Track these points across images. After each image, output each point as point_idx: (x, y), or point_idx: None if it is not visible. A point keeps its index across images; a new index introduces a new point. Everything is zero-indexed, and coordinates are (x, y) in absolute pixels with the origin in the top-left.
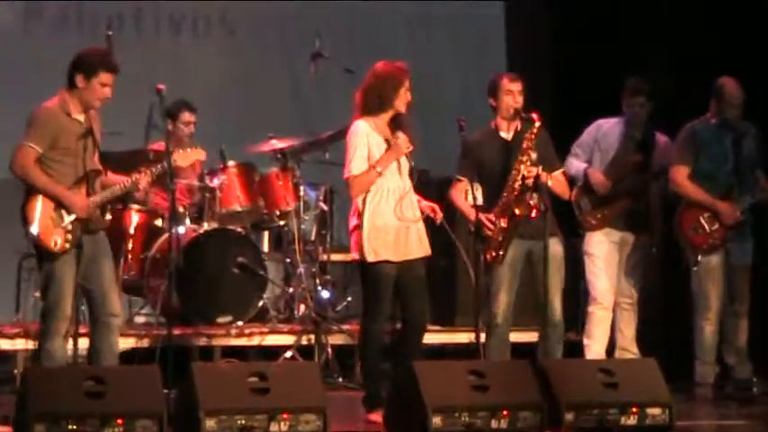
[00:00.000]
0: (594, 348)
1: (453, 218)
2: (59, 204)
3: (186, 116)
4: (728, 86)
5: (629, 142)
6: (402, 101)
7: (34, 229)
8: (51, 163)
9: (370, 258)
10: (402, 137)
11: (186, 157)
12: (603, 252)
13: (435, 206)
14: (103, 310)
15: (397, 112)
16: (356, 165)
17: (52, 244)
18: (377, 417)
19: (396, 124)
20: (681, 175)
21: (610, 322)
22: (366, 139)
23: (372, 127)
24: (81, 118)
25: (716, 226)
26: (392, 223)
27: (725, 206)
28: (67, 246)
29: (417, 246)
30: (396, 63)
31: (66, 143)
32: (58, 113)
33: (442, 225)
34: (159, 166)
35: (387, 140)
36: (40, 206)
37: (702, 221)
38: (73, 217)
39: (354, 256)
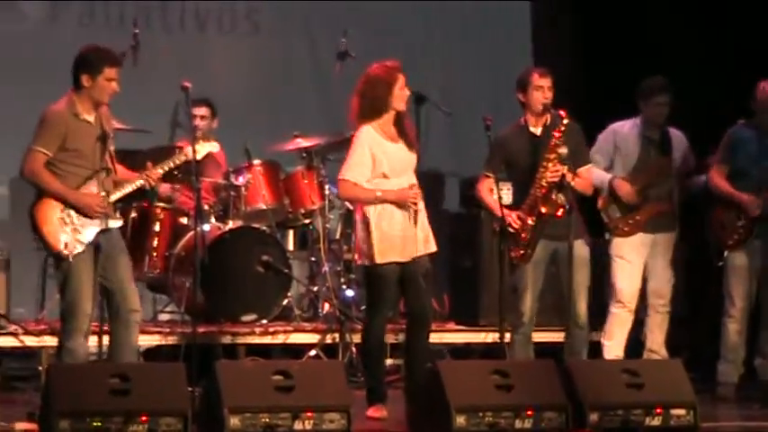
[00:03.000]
0: (614, 350)
1: (478, 218)
2: (69, 206)
3: (200, 110)
4: (758, 91)
5: (648, 145)
6: (399, 100)
7: (44, 234)
8: (62, 165)
9: (379, 260)
10: (416, 191)
11: (199, 150)
12: (633, 256)
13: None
14: (123, 307)
15: (396, 111)
16: (351, 169)
17: (62, 246)
18: (375, 411)
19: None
20: (717, 174)
21: (630, 324)
22: (368, 147)
23: (377, 132)
24: (90, 118)
25: (741, 221)
26: (400, 226)
27: (748, 198)
28: (78, 247)
29: (423, 244)
30: (386, 62)
31: (75, 144)
32: (66, 115)
33: None
34: (171, 161)
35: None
36: (48, 209)
37: (730, 217)
38: (82, 218)
39: (357, 257)
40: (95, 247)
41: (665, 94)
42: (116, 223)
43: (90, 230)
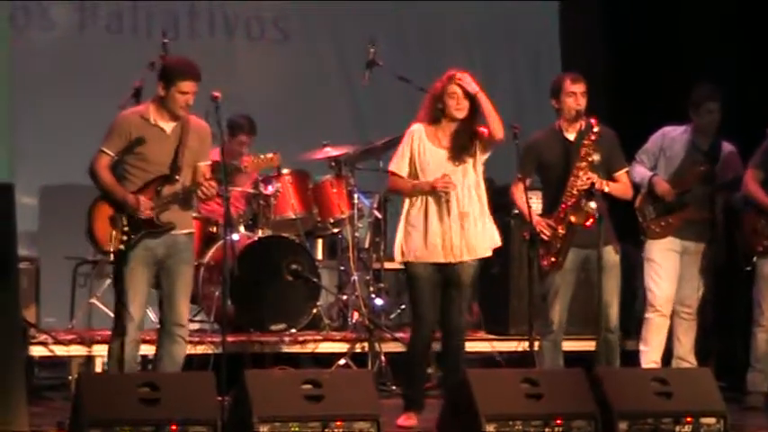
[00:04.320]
0: (650, 355)
1: (509, 225)
2: (120, 206)
3: (242, 137)
4: None
5: (695, 152)
6: (451, 109)
7: (95, 232)
8: (129, 168)
9: (410, 258)
10: (448, 179)
11: (258, 163)
12: (665, 260)
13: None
14: (169, 318)
15: (455, 119)
16: (395, 161)
17: (108, 244)
18: (405, 420)
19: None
20: (751, 178)
21: (667, 330)
22: (411, 140)
23: (426, 132)
24: (167, 126)
25: None
26: (435, 229)
27: None
28: (121, 247)
29: (466, 250)
30: (446, 72)
31: (142, 148)
32: (135, 119)
33: None
34: (230, 176)
35: (450, 150)
36: (102, 209)
37: (762, 224)
38: (137, 222)
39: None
40: (148, 251)
41: (715, 102)
42: (180, 230)
43: (142, 234)
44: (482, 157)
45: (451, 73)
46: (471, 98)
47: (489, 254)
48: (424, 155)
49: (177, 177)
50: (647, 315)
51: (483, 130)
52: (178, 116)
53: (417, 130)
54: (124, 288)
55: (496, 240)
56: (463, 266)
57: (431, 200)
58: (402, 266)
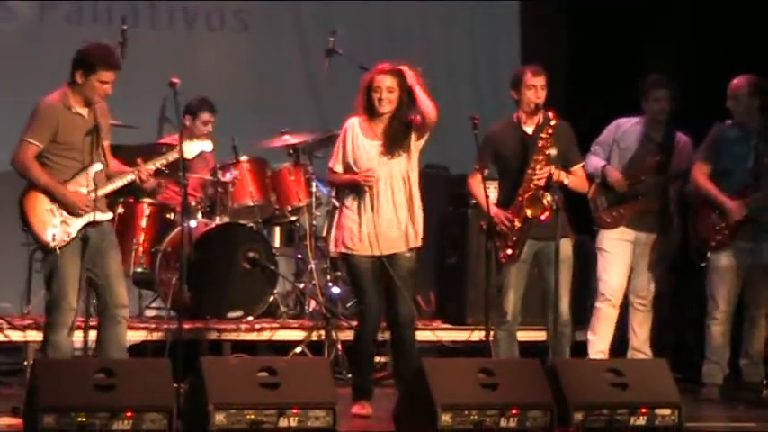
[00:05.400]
0: (598, 345)
1: (466, 216)
2: (56, 201)
3: (205, 116)
4: (731, 88)
5: (648, 143)
6: (374, 103)
7: (32, 225)
8: (53, 157)
9: (342, 250)
10: (370, 173)
11: (192, 149)
12: (616, 250)
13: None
14: (110, 302)
15: (383, 113)
16: (332, 157)
17: (50, 239)
18: (360, 408)
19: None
20: (698, 171)
21: (615, 319)
22: (344, 136)
23: (360, 126)
24: (84, 112)
25: (725, 223)
26: (367, 221)
27: (732, 203)
28: (66, 240)
29: (398, 242)
30: (381, 63)
31: (66, 137)
32: (58, 108)
33: None
34: (164, 158)
35: (383, 144)
36: (37, 201)
37: (714, 218)
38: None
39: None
40: (83, 240)
41: (663, 90)
42: (105, 216)
43: (78, 223)
44: (418, 144)
45: (380, 67)
46: (405, 91)
47: (419, 244)
48: (357, 149)
49: (103, 160)
50: (596, 304)
51: (416, 117)
52: (91, 104)
53: (351, 125)
54: (62, 278)
55: (420, 231)
56: (396, 258)
57: (361, 193)
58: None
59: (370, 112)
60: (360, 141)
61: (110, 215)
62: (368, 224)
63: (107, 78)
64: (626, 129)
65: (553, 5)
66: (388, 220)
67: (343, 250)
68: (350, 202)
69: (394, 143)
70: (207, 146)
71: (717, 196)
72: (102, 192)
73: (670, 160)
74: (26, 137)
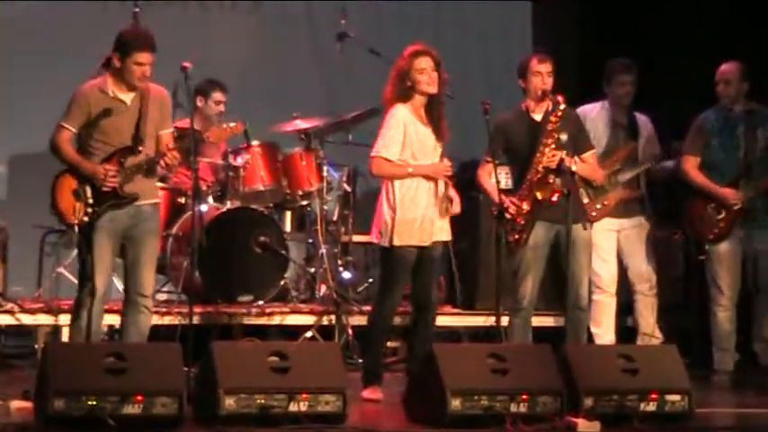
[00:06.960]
0: (604, 337)
1: (477, 201)
2: (83, 178)
3: (218, 95)
4: (719, 74)
5: (617, 129)
6: (422, 85)
7: (59, 205)
8: (92, 142)
9: (397, 243)
10: (447, 163)
11: (222, 134)
12: (604, 241)
13: (456, 198)
14: (132, 288)
15: (426, 95)
16: (385, 147)
17: (72, 216)
18: (370, 393)
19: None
20: (689, 164)
21: (615, 309)
22: (402, 124)
23: (411, 112)
24: (127, 97)
25: (722, 215)
26: (422, 212)
27: (727, 191)
28: (86, 219)
29: (440, 231)
30: (413, 46)
31: (103, 122)
32: (94, 93)
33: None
34: (187, 140)
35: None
36: (65, 182)
37: (709, 211)
38: (94, 191)
39: (374, 238)
40: (112, 222)
41: (628, 74)
42: (145, 201)
43: (103, 203)
44: None
45: (415, 48)
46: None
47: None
48: (417, 137)
49: (140, 149)
50: (594, 297)
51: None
52: (135, 87)
53: (404, 112)
54: (89, 260)
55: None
56: (437, 245)
57: (421, 183)
58: (382, 245)
59: (409, 97)
60: (418, 129)
61: (150, 201)
62: (425, 213)
63: (143, 60)
64: (593, 118)
65: (564, 5)
66: (439, 207)
67: (398, 243)
68: (404, 192)
69: (441, 127)
70: (237, 129)
71: (711, 188)
72: (128, 165)
73: (638, 143)
74: (61, 121)
